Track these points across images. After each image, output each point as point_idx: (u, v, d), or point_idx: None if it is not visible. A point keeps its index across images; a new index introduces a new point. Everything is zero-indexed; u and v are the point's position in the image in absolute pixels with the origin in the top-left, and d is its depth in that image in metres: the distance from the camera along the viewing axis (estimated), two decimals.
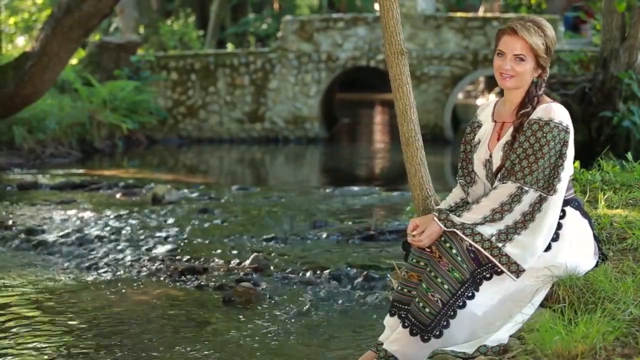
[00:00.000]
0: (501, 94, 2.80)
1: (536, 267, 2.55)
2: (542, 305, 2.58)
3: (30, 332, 4.03)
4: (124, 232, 6.34)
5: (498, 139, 2.67)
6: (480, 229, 2.54)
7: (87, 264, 5.44)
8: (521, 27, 2.58)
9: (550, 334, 2.27)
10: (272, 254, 5.59)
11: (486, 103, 2.87)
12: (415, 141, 2.88)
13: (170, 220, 6.79)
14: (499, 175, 2.62)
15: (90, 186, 8.71)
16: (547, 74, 2.67)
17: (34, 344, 3.84)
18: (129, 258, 5.53)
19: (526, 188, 2.54)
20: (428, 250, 2.60)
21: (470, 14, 14.64)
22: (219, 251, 5.70)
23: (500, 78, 2.63)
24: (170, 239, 6.08)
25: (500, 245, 2.52)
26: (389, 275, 4.63)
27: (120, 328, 4.10)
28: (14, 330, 4.05)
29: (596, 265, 2.69)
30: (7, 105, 9.98)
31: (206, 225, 6.68)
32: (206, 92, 14.00)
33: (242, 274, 5.12)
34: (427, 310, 2.53)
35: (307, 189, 9.36)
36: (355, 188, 8.76)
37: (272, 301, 4.60)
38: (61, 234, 6.25)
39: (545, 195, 2.54)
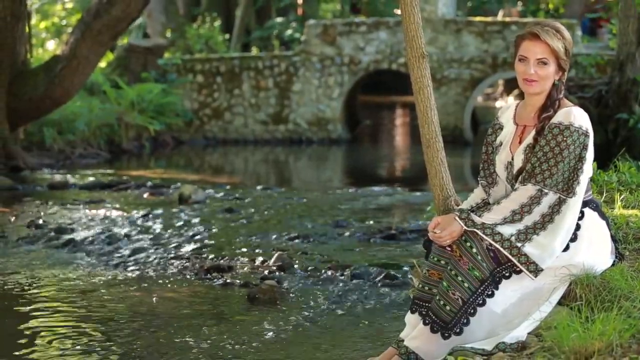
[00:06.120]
0: (520, 96, 2.84)
1: (554, 266, 2.59)
2: (559, 303, 2.61)
3: (59, 328, 4.12)
4: (151, 230, 6.44)
5: (520, 142, 2.70)
6: (500, 229, 2.57)
7: (115, 262, 5.53)
8: (542, 31, 2.61)
9: (567, 332, 2.30)
10: (296, 253, 5.67)
11: (507, 105, 2.90)
12: (435, 142, 2.91)
13: (196, 220, 6.88)
14: (519, 178, 2.65)
15: (118, 186, 8.82)
16: (566, 77, 2.70)
17: (63, 339, 3.93)
18: (156, 256, 5.61)
19: (546, 190, 2.57)
20: (449, 249, 2.64)
21: (489, 19, 14.62)
22: (243, 250, 5.78)
23: (524, 84, 2.64)
24: (196, 238, 6.18)
25: (519, 245, 2.55)
26: (410, 274, 4.69)
27: (147, 324, 4.18)
28: (43, 326, 4.16)
29: (613, 265, 2.72)
30: (38, 107, 10.19)
31: (231, 224, 6.78)
32: (231, 95, 14.13)
33: (266, 272, 5.18)
34: (447, 307, 2.58)
35: (330, 189, 9.41)
36: (377, 188, 8.81)
37: (296, 299, 4.66)
38: (90, 232, 6.35)
39: (564, 197, 2.57)
